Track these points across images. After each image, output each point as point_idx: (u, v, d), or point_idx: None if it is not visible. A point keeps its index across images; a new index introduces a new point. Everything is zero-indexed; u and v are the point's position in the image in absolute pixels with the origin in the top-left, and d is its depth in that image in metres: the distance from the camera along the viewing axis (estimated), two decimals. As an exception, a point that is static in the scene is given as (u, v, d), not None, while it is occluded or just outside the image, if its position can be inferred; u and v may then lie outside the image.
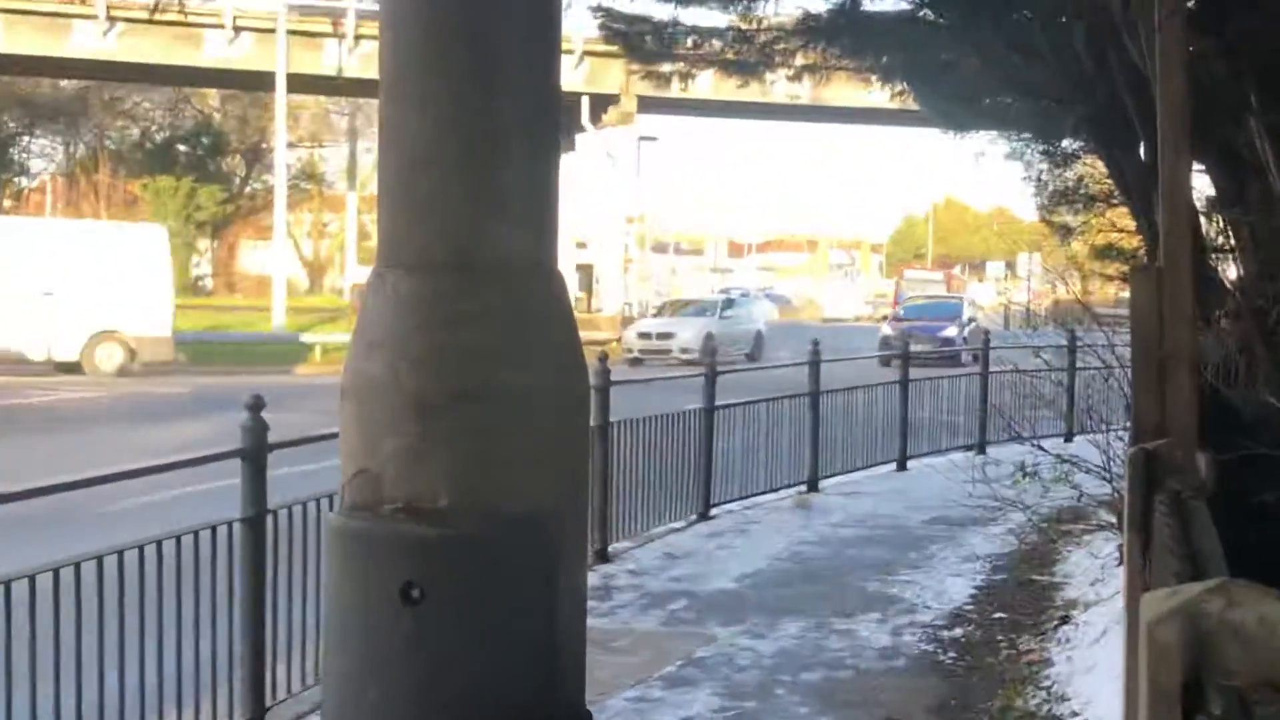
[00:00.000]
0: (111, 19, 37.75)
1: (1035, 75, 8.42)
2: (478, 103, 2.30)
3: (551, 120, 2.42)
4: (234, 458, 6.23)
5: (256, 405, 6.22)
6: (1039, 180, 10.20)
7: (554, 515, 2.31)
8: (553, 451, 2.35)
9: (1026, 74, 8.54)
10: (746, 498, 12.43)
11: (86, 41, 38.19)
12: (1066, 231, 10.49)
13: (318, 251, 76.51)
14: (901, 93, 11.58)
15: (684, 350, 33.99)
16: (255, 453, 6.18)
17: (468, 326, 2.30)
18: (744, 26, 11.01)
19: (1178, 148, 2.80)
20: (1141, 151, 7.13)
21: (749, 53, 11.45)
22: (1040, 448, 9.69)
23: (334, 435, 7.69)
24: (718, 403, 11.84)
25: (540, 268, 2.41)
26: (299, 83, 40.29)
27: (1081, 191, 9.63)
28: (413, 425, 2.29)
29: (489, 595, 2.26)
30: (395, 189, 2.37)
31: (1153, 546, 2.22)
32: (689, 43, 11.39)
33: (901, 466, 14.54)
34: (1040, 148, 9.84)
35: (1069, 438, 12.43)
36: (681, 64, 12.53)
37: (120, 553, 5.43)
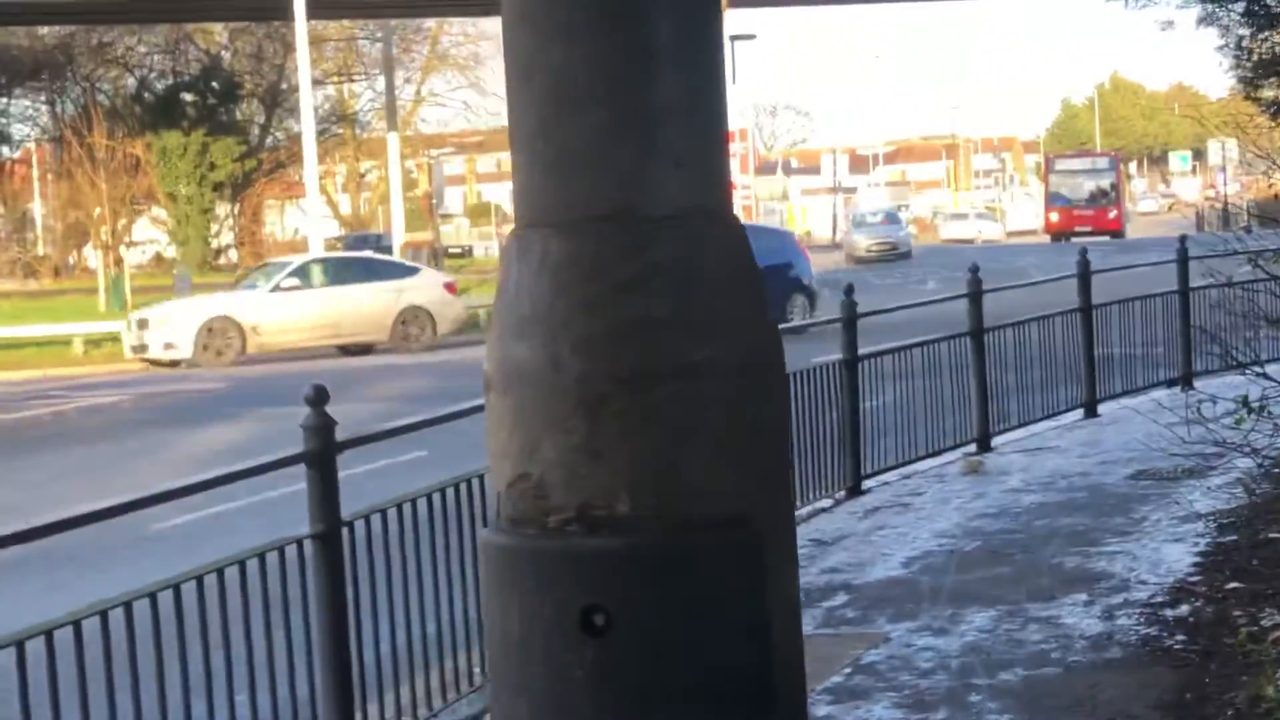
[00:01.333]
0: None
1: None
2: (630, 24, 2.29)
3: (714, 38, 2.40)
4: (296, 463, 6.29)
5: (320, 398, 6.27)
6: (1239, 48, 9.98)
7: (758, 515, 2.28)
8: (749, 437, 2.32)
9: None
10: (904, 464, 12.38)
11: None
12: (1276, 109, 10.26)
13: (356, 207, 77.27)
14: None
15: None
16: (322, 456, 6.24)
17: (636, 294, 2.28)
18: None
19: None
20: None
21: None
22: (1267, 375, 9.51)
23: (404, 430, 7.77)
24: (860, 352, 11.78)
25: (713, 215, 2.38)
26: (321, 5, 40.50)
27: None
28: (580, 418, 2.27)
29: (687, 616, 2.24)
30: (536, 134, 2.35)
31: None
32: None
33: (1091, 412, 14.38)
34: (1240, 7, 9.62)
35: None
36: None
37: (176, 586, 5.51)
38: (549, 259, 2.32)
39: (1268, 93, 9.89)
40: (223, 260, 60.85)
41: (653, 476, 2.26)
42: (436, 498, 7.06)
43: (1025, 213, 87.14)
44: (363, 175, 75.68)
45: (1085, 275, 14.56)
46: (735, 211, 2.39)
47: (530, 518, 2.30)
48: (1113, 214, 67.87)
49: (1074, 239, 54.45)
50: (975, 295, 13.30)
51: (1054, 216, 68.78)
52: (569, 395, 2.27)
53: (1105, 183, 69.86)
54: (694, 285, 2.31)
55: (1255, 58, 9.56)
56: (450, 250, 49.99)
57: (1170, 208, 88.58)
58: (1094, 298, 14.62)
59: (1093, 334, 14.47)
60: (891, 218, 62.58)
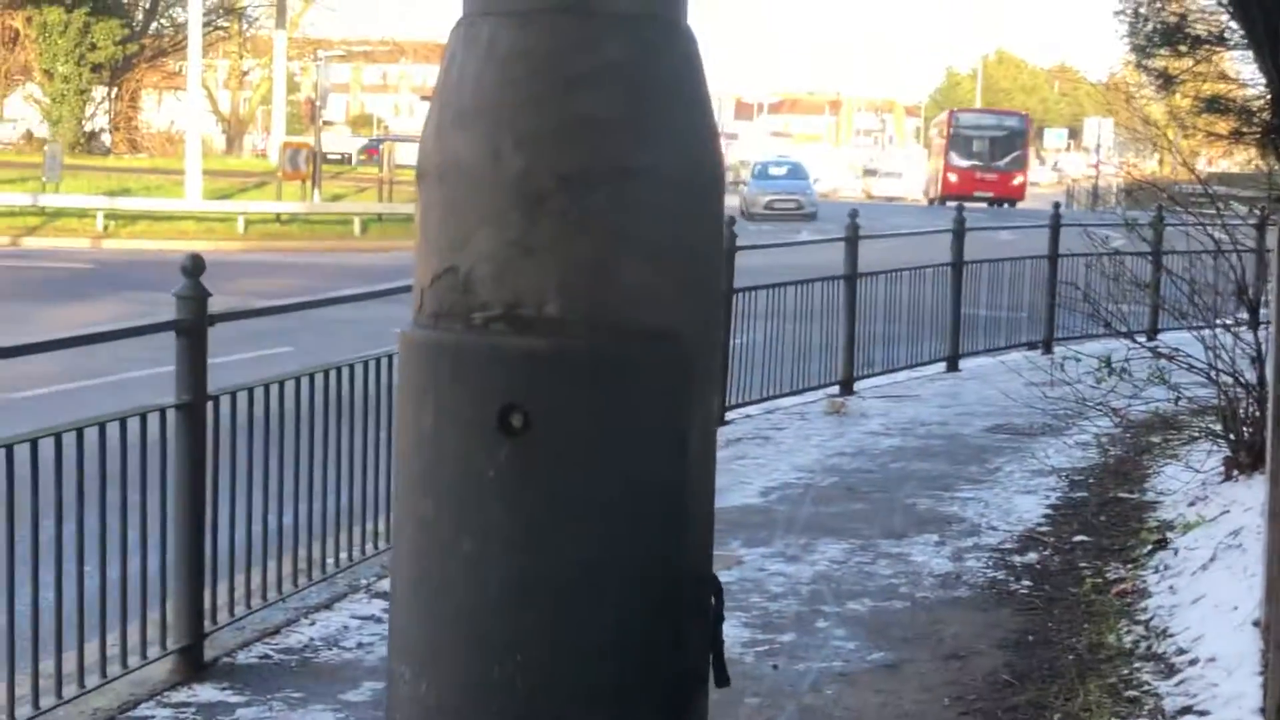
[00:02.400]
0: None
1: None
2: None
3: None
4: (167, 330, 6.15)
5: (195, 268, 6.13)
6: (1135, 15, 10.07)
7: (687, 330, 2.21)
8: (683, 250, 2.26)
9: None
10: (768, 399, 12.44)
11: None
12: (1166, 80, 10.38)
13: (236, 106, 75.92)
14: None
15: None
16: (193, 325, 6.10)
17: (585, 93, 2.20)
18: None
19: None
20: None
21: None
22: (1132, 338, 9.66)
23: (281, 309, 7.65)
24: (735, 285, 11.79)
25: (667, 20, 2.30)
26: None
27: (1186, 31, 9.51)
28: (517, 215, 2.19)
29: (608, 423, 2.18)
30: None
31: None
32: None
33: (953, 366, 14.55)
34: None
35: (1154, 333, 12.43)
36: None
37: (33, 441, 5.36)
38: (497, 49, 2.24)
39: (1158, 62, 10.00)
40: (95, 144, 59.54)
41: (586, 280, 2.20)
42: (305, 382, 6.95)
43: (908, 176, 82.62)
44: (245, 73, 74.37)
45: (960, 232, 14.69)
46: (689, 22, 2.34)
47: (454, 313, 2.23)
48: (1018, 179, 60.78)
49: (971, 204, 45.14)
50: (851, 240, 13.38)
51: (952, 177, 61.18)
52: (507, 190, 2.20)
53: (1013, 144, 61.79)
54: (645, 89, 2.23)
55: (1150, 27, 9.65)
56: (329, 156, 49.27)
57: (1059, 180, 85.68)
58: (967, 256, 14.78)
59: (961, 290, 14.63)
60: (796, 171, 53.22)
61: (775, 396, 12.56)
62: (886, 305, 14.03)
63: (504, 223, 2.20)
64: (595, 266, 2.20)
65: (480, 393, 2.19)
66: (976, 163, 60.85)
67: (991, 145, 61.22)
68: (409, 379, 2.29)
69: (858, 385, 13.30)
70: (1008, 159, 61.02)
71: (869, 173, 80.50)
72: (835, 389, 13.11)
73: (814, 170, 72.22)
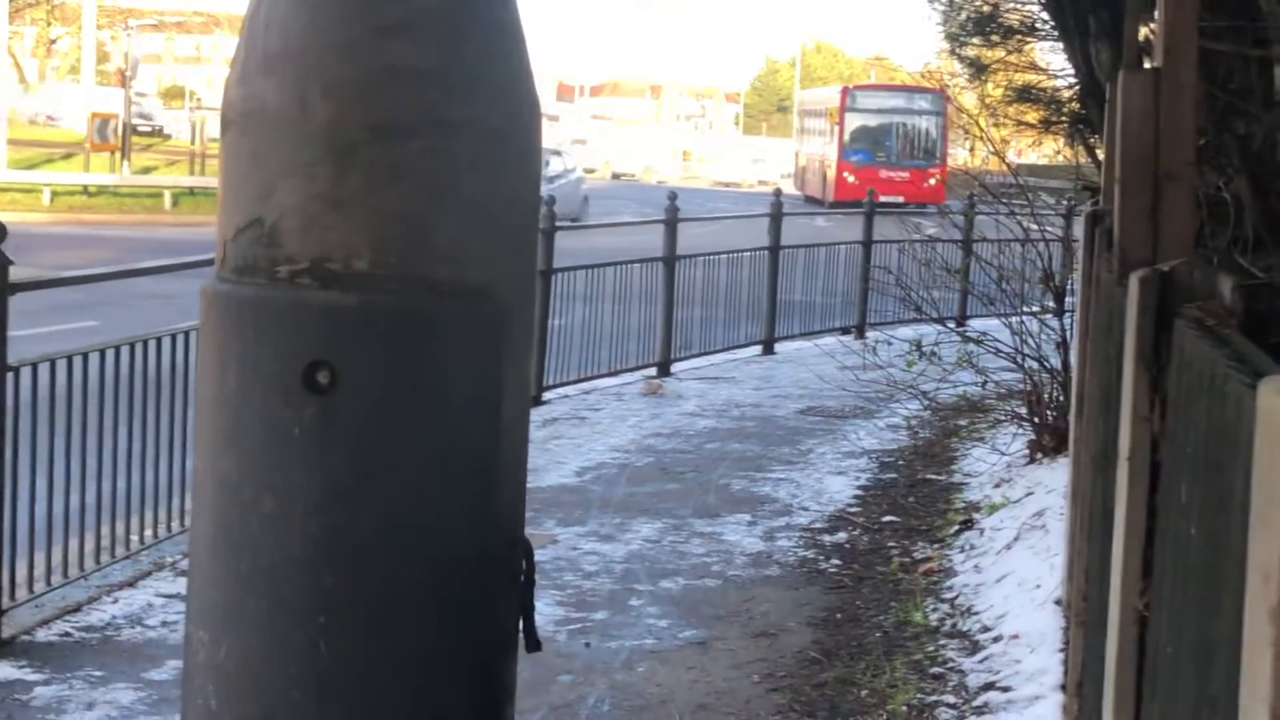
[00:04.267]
0: None
1: None
2: None
3: None
4: (-36, 299, 5.97)
5: (-4, 235, 5.95)
6: (949, 5, 10.25)
7: (502, 287, 2.18)
8: (501, 206, 2.21)
9: None
10: (585, 380, 12.47)
11: None
12: (979, 69, 10.58)
13: (43, 74, 74.04)
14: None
15: None
16: (-7, 293, 5.93)
17: (399, 42, 2.15)
18: None
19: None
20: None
21: None
22: (943, 323, 9.84)
23: (84, 279, 7.45)
24: (554, 265, 11.78)
25: None
26: None
27: (999, 20, 9.70)
28: (325, 165, 2.13)
29: (419, 381, 2.14)
30: None
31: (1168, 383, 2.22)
32: None
33: (769, 350, 14.70)
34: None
35: (963, 320, 12.69)
36: None
37: None
38: None
39: (970, 51, 10.18)
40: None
41: (398, 234, 2.16)
42: (111, 354, 6.80)
43: (731, 162, 74.39)
44: (53, 41, 72.54)
45: (777, 216, 14.84)
46: None
47: (259, 267, 2.18)
48: (933, 179, 42.93)
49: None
50: (670, 223, 13.45)
51: (849, 177, 45.17)
52: (315, 140, 2.15)
53: (929, 131, 45.96)
54: (460, 39, 2.19)
55: (964, 16, 9.82)
56: (139, 128, 48.23)
57: None
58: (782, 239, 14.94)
59: (778, 275, 14.78)
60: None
61: (593, 377, 12.59)
62: (705, 288, 14.15)
63: (312, 174, 2.15)
64: (408, 220, 2.16)
65: (285, 349, 2.14)
66: (880, 156, 45.91)
67: (901, 133, 46.34)
68: (210, 335, 2.22)
69: (675, 367, 13.38)
70: (922, 150, 45.75)
71: (757, 161, 76.59)
72: (653, 370, 13.17)
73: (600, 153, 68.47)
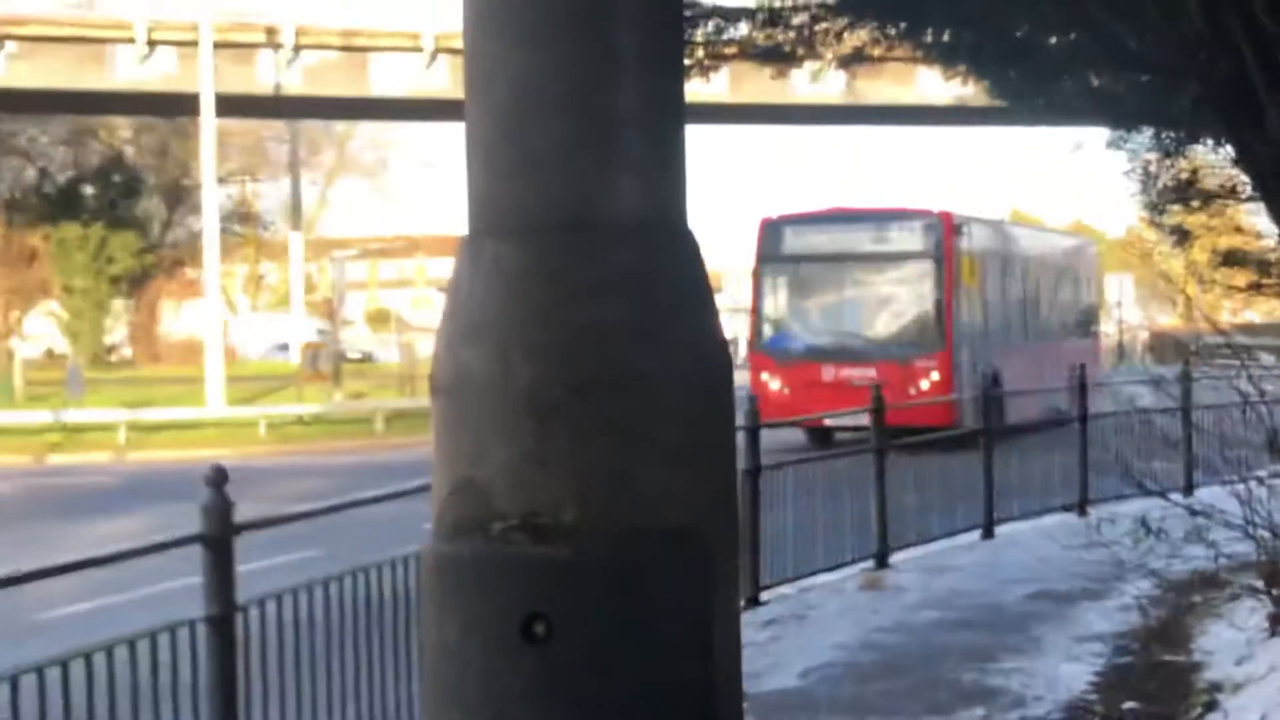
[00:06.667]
0: (0, 38, 38.02)
1: (1139, 46, 8.44)
2: (595, 33, 2.30)
3: (676, 49, 2.41)
4: (193, 544, 6.18)
5: (219, 479, 6.18)
6: (1145, 174, 10.21)
7: (705, 528, 2.26)
8: (698, 451, 2.31)
9: (1128, 45, 8.56)
10: (801, 578, 12.37)
11: (-30, 66, 38.43)
12: (1181, 235, 10.49)
13: (255, 308, 76.81)
14: (962, 76, 11.58)
15: None
16: (220, 537, 6.14)
17: (591, 303, 2.27)
18: (777, 4, 11.05)
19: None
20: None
21: (783, 38, 11.49)
22: (1166, 497, 9.64)
23: (307, 515, 7.64)
24: (762, 463, 11.79)
25: (669, 227, 2.39)
26: (229, 104, 40.53)
27: (1198, 185, 9.64)
28: (529, 426, 2.25)
29: (631, 629, 2.22)
30: (493, 140, 2.35)
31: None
32: (710, 26, 11.41)
33: (988, 534, 14.48)
34: (1146, 134, 9.86)
35: (1189, 490, 12.40)
36: (701, 56, 12.56)
37: (64, 664, 5.37)
38: (503, 264, 2.32)
39: (1172, 219, 10.12)
40: (115, 357, 60.12)
41: (601, 486, 2.25)
42: (335, 587, 6.95)
43: None
44: (262, 276, 75.38)
45: (991, 398, 14.74)
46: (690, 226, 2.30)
47: (473, 524, 2.28)
48: (932, 377, 25.55)
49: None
50: (876, 410, 13.41)
51: (772, 383, 26.25)
52: (519, 402, 2.26)
53: (916, 290, 26.42)
54: (650, 296, 2.31)
55: (1161, 184, 9.79)
56: (349, 355, 49.71)
57: None
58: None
59: (993, 457, 14.61)
60: None
61: (810, 574, 12.49)
62: (917, 475, 14.03)
63: (517, 434, 2.26)
64: (610, 472, 2.26)
65: (502, 603, 2.23)
66: (826, 342, 26.54)
67: (867, 296, 26.75)
68: (432, 590, 2.32)
69: (893, 558, 13.22)
70: (910, 327, 26.29)
71: None
72: (870, 563, 13.04)
73: None
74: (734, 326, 40.37)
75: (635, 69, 2.34)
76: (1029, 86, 10.61)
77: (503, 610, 2.22)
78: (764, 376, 26.47)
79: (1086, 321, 32.73)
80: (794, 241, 27.10)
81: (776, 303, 27.48)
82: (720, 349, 2.41)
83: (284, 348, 56.40)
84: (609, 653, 2.21)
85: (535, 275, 2.29)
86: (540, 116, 2.31)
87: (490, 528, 2.26)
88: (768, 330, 27.39)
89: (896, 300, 26.41)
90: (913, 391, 24.25)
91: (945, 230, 25.47)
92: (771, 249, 27.08)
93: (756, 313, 27.42)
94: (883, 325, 26.42)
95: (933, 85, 31.90)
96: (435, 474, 2.35)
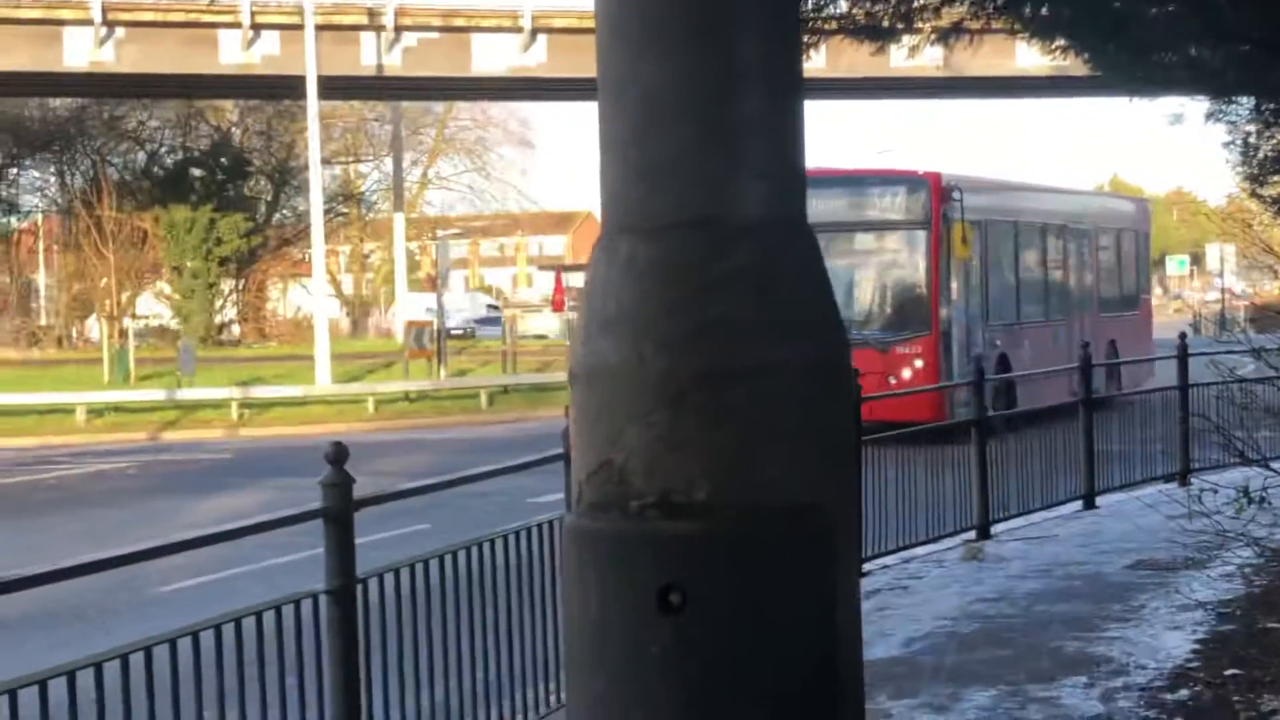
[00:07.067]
0: (109, 24, 38.61)
1: (1237, 16, 8.42)
2: (720, 42, 2.45)
3: (794, 54, 2.56)
4: (314, 519, 6.37)
5: (339, 456, 6.35)
6: (1245, 145, 10.17)
7: (826, 505, 2.43)
8: (820, 432, 2.47)
9: (1226, 16, 8.54)
10: (903, 549, 12.45)
11: (80, 51, 39.01)
12: (1280, 207, 10.44)
13: (359, 287, 77.56)
14: (1060, 50, 11.55)
15: None
16: (340, 512, 6.32)
17: (718, 297, 2.43)
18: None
19: None
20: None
21: (883, 14, 11.52)
22: (1269, 466, 9.62)
23: (423, 490, 7.84)
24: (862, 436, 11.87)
25: (790, 224, 2.54)
26: (332, 86, 40.99)
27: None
28: (663, 411, 2.42)
29: (759, 600, 2.38)
30: (625, 144, 2.52)
31: None
32: (809, 3, 11.46)
33: (1089, 504, 14.47)
34: (1246, 105, 9.82)
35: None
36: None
37: (195, 634, 5.58)
38: (635, 262, 2.49)
39: (1272, 190, 10.07)
40: (224, 335, 60.97)
41: (729, 466, 2.41)
42: (449, 559, 7.14)
43: None
44: (366, 256, 76.04)
45: (1086, 368, 14.72)
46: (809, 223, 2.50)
47: (612, 503, 2.46)
48: (916, 364, 22.72)
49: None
50: (977, 384, 13.44)
51: None
52: (652, 389, 2.43)
53: (898, 261, 23.55)
54: (773, 290, 2.46)
55: (1261, 155, 9.75)
56: (453, 331, 50.13)
57: (1176, 310, 78.71)
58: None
59: (1093, 427, 14.59)
60: None
61: (911, 545, 12.56)
62: (1017, 445, 14.05)
63: (651, 419, 2.43)
64: (737, 453, 2.42)
65: (640, 576, 2.41)
66: None
67: (845, 268, 22.79)
68: (574, 564, 2.52)
69: (994, 529, 13.26)
70: (891, 304, 23.82)
71: None
72: (972, 534, 13.09)
73: None
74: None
75: (757, 76, 2.48)
76: (1127, 59, 10.59)
77: (640, 582, 2.40)
78: None
79: (1130, 293, 29.78)
80: None
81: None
82: (838, 336, 2.57)
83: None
84: (738, 621, 2.37)
85: (666, 270, 2.46)
86: (669, 122, 2.48)
87: (628, 506, 2.44)
88: None
89: (876, 276, 23.43)
90: (893, 381, 21.51)
91: (933, 194, 22.35)
92: None
93: None
94: (860, 306, 23.22)
95: (1031, 57, 31.62)
96: (574, 456, 2.53)
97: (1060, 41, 11.26)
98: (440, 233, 58.92)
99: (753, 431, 2.41)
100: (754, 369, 2.42)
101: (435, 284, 41.76)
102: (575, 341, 2.52)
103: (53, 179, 66.98)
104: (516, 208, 74.84)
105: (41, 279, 68.01)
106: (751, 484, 2.40)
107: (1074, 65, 13.28)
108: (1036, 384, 19.17)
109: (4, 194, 64.94)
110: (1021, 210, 26.06)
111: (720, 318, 2.43)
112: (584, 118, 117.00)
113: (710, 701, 2.36)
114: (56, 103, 60.57)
